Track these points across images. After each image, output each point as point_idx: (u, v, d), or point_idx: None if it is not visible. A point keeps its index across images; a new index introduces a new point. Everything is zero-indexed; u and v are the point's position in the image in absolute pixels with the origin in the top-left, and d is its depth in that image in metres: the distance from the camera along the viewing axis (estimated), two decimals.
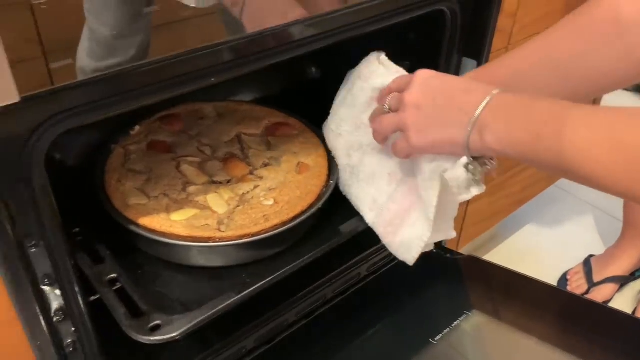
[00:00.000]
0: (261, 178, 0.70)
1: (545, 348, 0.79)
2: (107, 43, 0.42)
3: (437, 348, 0.77)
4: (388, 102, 0.60)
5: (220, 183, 0.69)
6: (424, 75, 0.57)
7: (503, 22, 0.77)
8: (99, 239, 0.57)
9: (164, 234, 0.59)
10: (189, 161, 0.71)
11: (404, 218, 0.62)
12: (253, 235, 0.60)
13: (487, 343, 0.82)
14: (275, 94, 0.89)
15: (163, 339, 0.50)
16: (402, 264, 0.94)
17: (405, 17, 0.67)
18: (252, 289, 0.58)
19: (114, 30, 0.42)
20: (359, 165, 0.69)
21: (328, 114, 0.79)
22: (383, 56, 0.70)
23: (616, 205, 1.36)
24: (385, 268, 0.92)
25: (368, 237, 0.71)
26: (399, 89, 0.61)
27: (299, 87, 0.92)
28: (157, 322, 0.51)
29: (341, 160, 0.73)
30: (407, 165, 0.64)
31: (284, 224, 0.62)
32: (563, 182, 1.49)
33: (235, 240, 0.60)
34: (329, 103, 0.83)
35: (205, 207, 0.64)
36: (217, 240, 0.59)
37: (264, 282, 0.59)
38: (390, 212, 0.64)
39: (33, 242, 0.48)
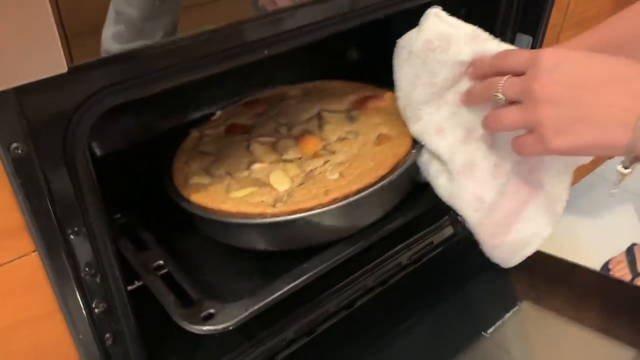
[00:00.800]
0: (334, 152, 0.65)
1: (596, 336, 0.75)
2: (135, 25, 0.40)
3: (490, 341, 0.73)
4: (501, 90, 0.49)
5: (291, 161, 0.64)
6: (554, 58, 0.46)
7: None
8: (143, 225, 0.53)
9: (213, 211, 0.55)
10: (260, 140, 0.68)
11: (519, 213, 0.55)
12: (307, 210, 0.55)
13: (540, 334, 0.78)
14: (314, 77, 0.85)
15: (217, 329, 0.46)
16: (444, 253, 0.91)
17: None
18: (307, 275, 0.54)
19: (141, 11, 0.39)
20: (451, 154, 0.58)
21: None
22: (445, 14, 0.57)
23: None
24: (427, 257, 0.89)
25: (410, 224, 0.67)
26: (514, 70, 0.50)
27: (339, 70, 0.88)
28: (210, 310, 0.47)
29: (426, 148, 0.62)
30: (514, 153, 0.53)
31: (346, 197, 0.55)
32: (601, 169, 1.44)
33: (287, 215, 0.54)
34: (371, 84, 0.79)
35: (265, 185, 0.60)
36: (268, 216, 0.54)
37: (319, 269, 0.55)
38: (502, 209, 0.56)
39: (75, 229, 0.45)
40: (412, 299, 0.85)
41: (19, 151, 0.37)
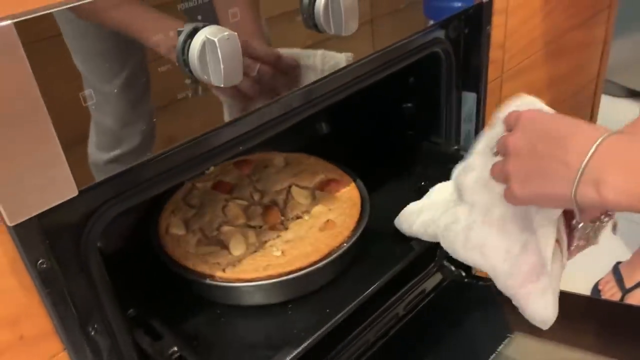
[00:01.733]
0: (287, 229, 0.73)
1: (592, 358, 0.79)
2: (113, 133, 0.44)
3: None
4: (497, 146, 0.55)
5: (253, 228, 0.73)
6: (530, 115, 0.51)
7: (494, 53, 0.82)
8: (154, 315, 0.59)
9: (177, 264, 0.67)
10: (237, 203, 0.77)
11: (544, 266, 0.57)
12: (246, 281, 0.65)
13: None
14: (298, 144, 0.93)
15: None
16: (437, 298, 0.96)
17: (404, 63, 0.71)
18: (309, 341, 0.60)
19: (116, 120, 0.44)
20: (490, 206, 0.59)
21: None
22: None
23: None
24: (422, 304, 0.94)
25: (399, 275, 0.73)
26: (508, 128, 0.54)
27: (310, 144, 0.96)
28: None
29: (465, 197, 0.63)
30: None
31: (279, 275, 0.65)
32: None
33: (232, 282, 0.64)
34: (339, 157, 0.87)
35: (225, 247, 0.69)
36: (216, 279, 0.65)
37: (319, 332, 0.62)
38: (526, 263, 0.58)
39: (95, 326, 0.51)
40: (413, 347, 0.89)
41: (44, 266, 0.44)
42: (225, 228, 0.72)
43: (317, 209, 0.76)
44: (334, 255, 0.68)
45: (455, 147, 0.83)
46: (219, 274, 0.65)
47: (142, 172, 0.49)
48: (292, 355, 0.57)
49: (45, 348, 0.47)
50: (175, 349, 0.55)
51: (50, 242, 0.44)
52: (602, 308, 0.90)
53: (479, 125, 0.85)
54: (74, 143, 0.42)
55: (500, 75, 0.87)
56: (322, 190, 0.80)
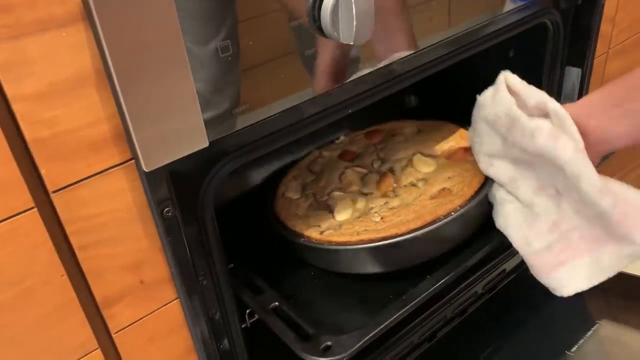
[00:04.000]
0: (396, 196, 0.70)
1: None
2: (204, 98, 0.44)
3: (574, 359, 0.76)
4: None
5: (365, 195, 0.72)
6: None
7: (603, 26, 0.78)
8: (254, 271, 0.60)
9: (280, 223, 0.68)
10: (356, 170, 0.76)
11: (562, 264, 0.60)
12: (337, 244, 0.63)
13: (622, 350, 0.80)
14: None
15: (335, 359, 0.52)
16: (517, 280, 0.94)
17: (510, 34, 0.69)
18: (409, 305, 0.60)
19: (208, 85, 0.44)
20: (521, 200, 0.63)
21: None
22: (515, 81, 0.63)
23: None
24: (501, 285, 0.92)
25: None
26: None
27: (399, 116, 0.94)
28: (328, 343, 0.53)
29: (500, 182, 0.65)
30: (575, 218, 0.59)
31: (370, 241, 0.62)
32: None
33: (322, 244, 0.63)
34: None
35: (330, 211, 0.69)
36: (309, 240, 0.64)
37: (419, 298, 0.61)
38: (546, 258, 0.61)
39: (204, 276, 0.52)
40: (490, 326, 0.88)
41: (169, 214, 0.45)
42: (336, 193, 0.72)
43: (435, 176, 0.72)
44: (434, 225, 0.62)
45: None
46: (314, 235, 0.65)
47: (262, 130, 0.49)
48: (393, 317, 0.57)
49: (162, 294, 0.49)
50: (277, 304, 0.56)
51: (176, 191, 0.45)
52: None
53: None
54: (205, 94, 0.42)
55: (607, 51, 0.83)
56: (449, 159, 0.76)
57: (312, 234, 0.65)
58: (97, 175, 0.41)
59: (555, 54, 0.77)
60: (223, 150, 0.48)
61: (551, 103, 0.56)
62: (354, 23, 0.43)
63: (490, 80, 0.86)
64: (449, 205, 0.65)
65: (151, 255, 0.47)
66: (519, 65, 0.82)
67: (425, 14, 0.56)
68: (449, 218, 0.63)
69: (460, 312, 0.89)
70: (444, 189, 0.69)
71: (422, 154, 0.77)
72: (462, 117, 0.92)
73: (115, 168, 0.41)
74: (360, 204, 0.70)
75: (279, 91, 0.49)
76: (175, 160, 0.42)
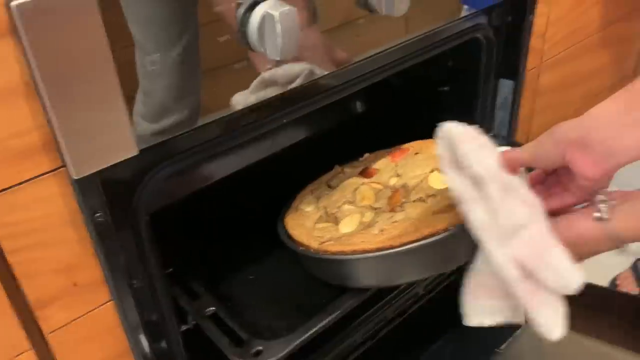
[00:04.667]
0: (402, 210, 0.68)
1: (611, 350, 0.80)
2: (163, 106, 0.45)
3: (504, 356, 0.80)
4: None
5: (374, 209, 0.70)
6: None
7: (534, 42, 0.83)
8: (192, 276, 0.62)
9: (285, 231, 0.70)
10: (372, 186, 0.75)
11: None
12: (332, 253, 0.62)
13: (554, 347, 0.84)
14: (324, 131, 0.95)
15: None
16: (456, 283, 0.98)
17: (445, 47, 0.72)
18: (338, 312, 0.62)
19: (170, 92, 0.45)
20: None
21: (373, 145, 0.84)
22: (450, 131, 0.56)
23: None
24: (441, 286, 0.96)
25: None
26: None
27: (344, 123, 0.97)
28: (259, 348, 0.56)
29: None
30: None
31: (364, 252, 0.60)
32: None
33: (318, 253, 0.63)
34: (375, 133, 0.88)
35: (337, 223, 0.69)
36: (309, 249, 0.64)
37: (346, 305, 0.63)
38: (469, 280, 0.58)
39: (140, 279, 0.54)
40: (430, 325, 0.92)
41: (100, 219, 0.47)
42: (346, 207, 0.71)
43: (446, 192, 0.65)
44: (424, 242, 0.59)
45: (491, 134, 0.84)
46: (313, 245, 0.64)
47: (195, 138, 0.51)
48: (322, 323, 0.60)
49: (96, 296, 0.50)
50: (213, 309, 0.58)
51: (107, 196, 0.47)
52: (621, 301, 0.92)
53: (514, 112, 0.86)
54: (133, 106, 0.44)
55: (539, 64, 0.87)
56: None
57: (312, 243, 0.65)
58: (28, 182, 0.42)
59: (489, 66, 0.81)
60: (157, 158, 0.50)
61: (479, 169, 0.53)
62: (279, 40, 0.46)
63: (430, 87, 0.90)
64: (450, 220, 0.61)
65: (84, 259, 0.48)
66: (456, 75, 0.86)
67: (365, 27, 0.59)
68: (445, 234, 0.60)
69: (400, 313, 0.92)
70: (447, 204, 0.64)
71: (439, 170, 0.72)
72: (408, 123, 0.97)
73: (46, 175, 0.43)
74: (367, 217, 0.69)
75: (218, 100, 0.51)
76: (107, 167, 0.44)
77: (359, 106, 0.99)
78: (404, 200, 0.70)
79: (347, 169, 0.81)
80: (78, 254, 0.48)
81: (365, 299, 0.69)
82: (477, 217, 0.52)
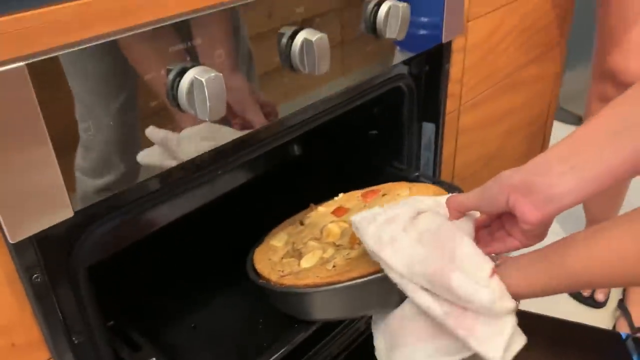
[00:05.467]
0: (360, 247, 0.69)
1: None
2: (103, 159, 0.47)
3: None
4: None
5: (337, 246, 0.72)
6: None
7: (452, 87, 0.90)
8: (133, 327, 0.64)
9: (251, 266, 0.73)
10: (338, 224, 0.77)
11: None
12: (285, 286, 0.65)
13: None
14: (261, 175, 0.98)
15: None
16: None
17: (370, 96, 0.78)
18: (276, 355, 0.64)
19: (108, 146, 0.47)
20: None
21: (310, 188, 0.88)
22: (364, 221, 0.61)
23: None
24: None
25: None
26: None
27: (282, 166, 1.01)
28: None
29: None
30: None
31: (315, 285, 0.62)
32: None
33: (272, 286, 0.66)
34: (311, 177, 0.93)
35: (299, 258, 0.71)
36: (269, 281, 0.67)
37: (282, 351, 0.65)
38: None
39: (79, 335, 0.55)
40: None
41: (38, 280, 0.48)
42: (310, 243, 0.74)
43: None
44: (371, 277, 0.61)
45: (416, 174, 0.90)
46: (273, 278, 0.67)
47: (129, 196, 0.53)
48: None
49: (35, 356, 0.51)
50: (154, 359, 0.59)
51: (43, 256, 0.49)
52: (548, 325, 0.97)
53: (438, 152, 0.93)
54: (70, 168, 0.46)
55: (458, 107, 0.94)
56: None
57: (272, 276, 0.68)
58: None
59: (411, 111, 0.87)
60: (95, 214, 0.52)
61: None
62: (207, 103, 0.49)
63: (359, 132, 0.95)
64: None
65: (22, 319, 0.49)
66: (382, 120, 0.92)
67: (291, 82, 0.64)
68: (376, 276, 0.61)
69: (345, 348, 0.95)
70: None
71: None
72: (343, 164, 1.01)
73: None
74: (328, 253, 0.71)
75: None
76: (43, 231, 0.46)
77: (295, 149, 1.03)
78: None
79: (321, 208, 0.85)
80: (16, 315, 0.49)
81: (312, 335, 0.72)
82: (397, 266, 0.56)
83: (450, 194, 0.63)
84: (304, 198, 0.92)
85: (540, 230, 0.55)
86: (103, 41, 0.45)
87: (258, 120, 0.60)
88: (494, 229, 0.61)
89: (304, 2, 0.59)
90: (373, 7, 0.67)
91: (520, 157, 1.27)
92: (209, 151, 0.57)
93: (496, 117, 1.09)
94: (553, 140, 1.49)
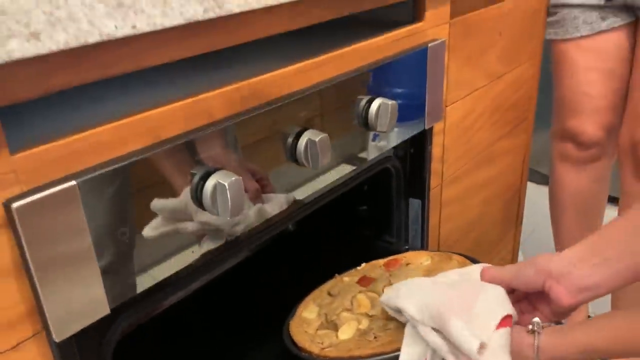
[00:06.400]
0: (394, 319, 0.72)
1: None
2: (134, 265, 0.53)
3: None
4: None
5: (371, 317, 0.77)
6: None
7: (434, 165, 0.98)
8: None
9: (289, 338, 0.76)
10: (368, 295, 0.82)
11: None
12: (332, 358, 0.69)
13: None
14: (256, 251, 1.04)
15: None
16: None
17: (362, 178, 0.85)
18: None
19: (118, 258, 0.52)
20: None
21: (305, 260, 0.94)
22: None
23: None
24: None
25: None
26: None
27: (277, 240, 1.07)
28: None
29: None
30: None
31: (360, 358, 0.67)
32: None
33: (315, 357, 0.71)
34: (304, 254, 0.98)
35: (336, 330, 0.75)
36: (309, 354, 0.71)
37: None
38: None
39: None
40: None
41: None
42: (344, 314, 0.78)
43: None
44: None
45: (406, 247, 0.97)
46: (315, 350, 0.71)
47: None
48: None
49: None
50: None
51: (79, 349, 0.53)
52: None
53: (424, 226, 0.99)
54: (108, 272, 0.52)
55: (440, 183, 1.02)
56: None
57: (314, 349, 0.72)
58: (13, 349, 0.48)
59: (398, 189, 0.95)
60: (124, 304, 0.56)
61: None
62: (229, 203, 0.55)
63: (351, 207, 1.02)
64: None
65: None
66: (372, 197, 0.99)
67: (286, 173, 0.70)
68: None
69: None
70: None
71: None
72: (338, 238, 1.07)
73: (28, 340, 0.49)
74: (363, 324, 0.76)
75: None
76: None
77: (290, 226, 1.09)
78: None
79: (346, 278, 0.89)
80: None
81: None
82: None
83: (482, 265, 0.69)
84: (300, 271, 0.98)
85: (569, 312, 0.61)
86: (136, 158, 0.52)
87: (270, 211, 0.67)
88: (516, 299, 0.66)
89: (307, 107, 0.67)
90: (364, 105, 0.75)
91: (498, 222, 1.35)
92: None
93: (475, 189, 1.17)
94: (528, 202, 1.57)
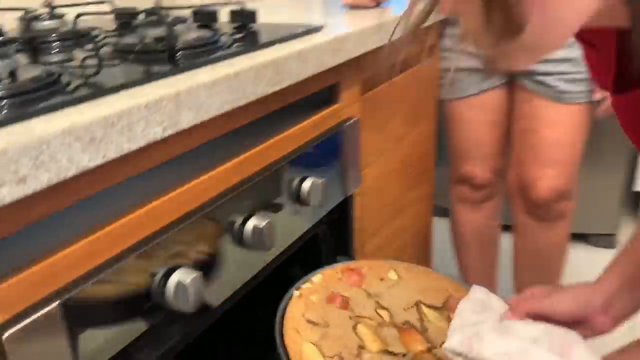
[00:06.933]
0: (429, 352, 0.68)
1: None
2: None
3: None
4: None
5: (396, 355, 0.69)
6: None
7: (356, 224, 1.08)
8: None
9: None
10: (367, 323, 0.73)
11: None
12: None
13: None
14: None
15: None
16: None
17: (295, 248, 0.93)
18: None
19: None
20: None
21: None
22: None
23: None
24: None
25: None
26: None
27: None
28: None
29: None
30: None
31: None
32: None
33: None
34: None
35: None
36: None
37: None
38: None
39: None
40: None
41: None
42: (367, 355, 0.68)
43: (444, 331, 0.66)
44: None
45: None
46: None
47: None
48: None
49: None
50: None
51: None
52: None
53: None
54: None
55: (363, 238, 1.13)
56: (450, 310, 0.74)
57: None
58: None
59: (327, 250, 1.03)
60: None
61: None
62: (190, 299, 0.61)
63: (283, 271, 1.09)
64: None
65: None
66: (305, 259, 1.07)
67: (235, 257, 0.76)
68: None
69: None
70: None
71: (424, 304, 0.76)
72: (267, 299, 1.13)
73: None
74: None
75: None
76: None
77: None
78: (429, 344, 0.70)
79: (312, 296, 0.77)
80: None
81: None
82: None
83: (497, 298, 0.69)
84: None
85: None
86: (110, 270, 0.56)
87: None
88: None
89: (249, 197, 0.74)
90: (297, 184, 0.84)
91: (411, 260, 1.48)
92: None
93: (391, 237, 1.29)
94: (435, 235, 1.71)
